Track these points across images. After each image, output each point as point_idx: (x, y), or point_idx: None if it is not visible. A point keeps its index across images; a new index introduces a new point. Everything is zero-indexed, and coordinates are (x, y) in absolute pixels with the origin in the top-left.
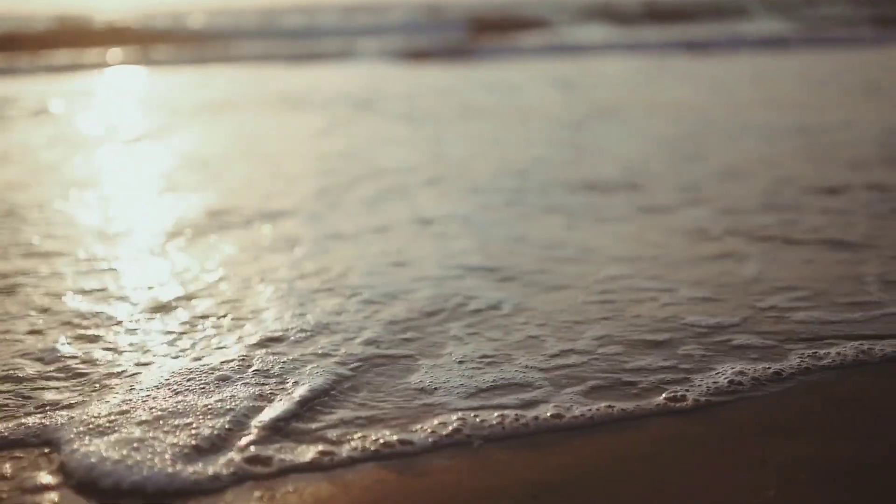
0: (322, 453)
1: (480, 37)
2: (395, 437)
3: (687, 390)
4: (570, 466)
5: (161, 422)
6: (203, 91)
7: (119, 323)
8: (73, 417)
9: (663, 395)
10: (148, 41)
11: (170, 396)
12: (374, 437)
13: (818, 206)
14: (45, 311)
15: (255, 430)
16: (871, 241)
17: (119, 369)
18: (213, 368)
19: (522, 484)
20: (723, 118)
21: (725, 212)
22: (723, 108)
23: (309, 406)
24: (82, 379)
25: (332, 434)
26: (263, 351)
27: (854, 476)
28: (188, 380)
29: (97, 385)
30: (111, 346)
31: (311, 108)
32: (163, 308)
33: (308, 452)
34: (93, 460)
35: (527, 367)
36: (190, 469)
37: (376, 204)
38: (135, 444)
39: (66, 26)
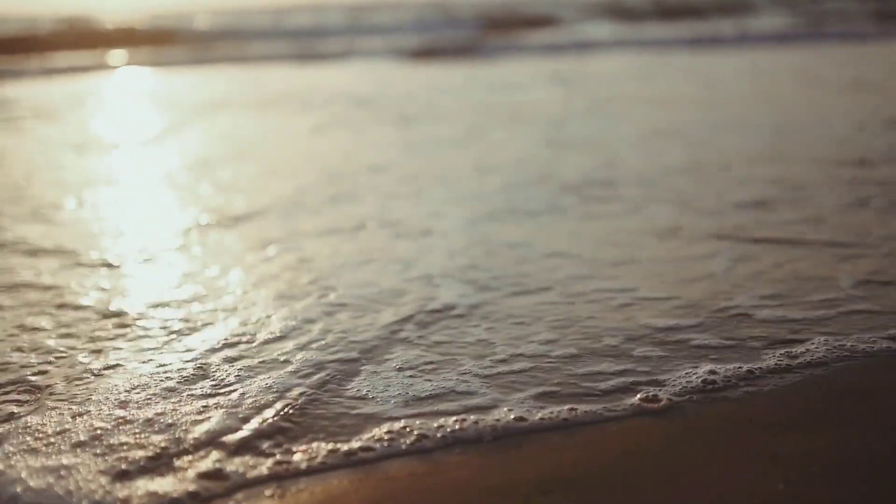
0: (278, 463)
1: (491, 35)
2: (356, 445)
3: (659, 390)
4: (580, 463)
5: (105, 439)
6: (207, 92)
7: (77, 329)
8: (9, 432)
9: (637, 396)
10: (154, 42)
11: (116, 409)
12: (333, 447)
13: (788, 204)
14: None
15: (205, 445)
16: (841, 239)
17: (70, 378)
18: (167, 378)
19: (534, 481)
20: (709, 114)
21: (697, 210)
22: (712, 103)
23: (265, 417)
24: (30, 391)
25: (292, 445)
26: (220, 358)
27: (861, 470)
28: (138, 389)
29: (41, 397)
30: (64, 354)
31: (309, 108)
32: (123, 314)
33: (264, 464)
34: (18, 489)
35: (468, 373)
36: (139, 490)
37: (351, 204)
38: (71, 466)
39: (73, 28)
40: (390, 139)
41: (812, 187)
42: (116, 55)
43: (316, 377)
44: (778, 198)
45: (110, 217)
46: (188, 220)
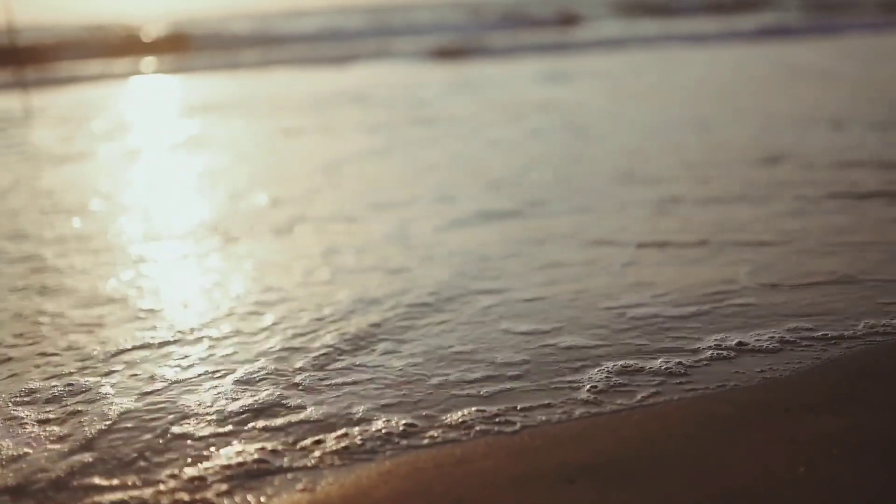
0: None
1: (512, 34)
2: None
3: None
4: (602, 451)
5: None
6: (206, 96)
7: None
8: None
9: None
10: (179, 49)
11: None
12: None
13: (695, 206)
14: None
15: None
16: (740, 238)
17: None
18: (51, 398)
19: (557, 469)
20: (654, 112)
21: (597, 213)
22: (667, 101)
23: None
24: None
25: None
26: (114, 370)
27: (881, 451)
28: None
29: None
30: None
31: (302, 111)
32: (42, 323)
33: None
34: None
35: (294, 385)
36: None
37: (285, 207)
38: None
39: (95, 37)
40: (357, 142)
41: (717, 186)
42: (138, 62)
43: (182, 389)
44: (681, 197)
45: (88, 223)
46: (130, 226)
